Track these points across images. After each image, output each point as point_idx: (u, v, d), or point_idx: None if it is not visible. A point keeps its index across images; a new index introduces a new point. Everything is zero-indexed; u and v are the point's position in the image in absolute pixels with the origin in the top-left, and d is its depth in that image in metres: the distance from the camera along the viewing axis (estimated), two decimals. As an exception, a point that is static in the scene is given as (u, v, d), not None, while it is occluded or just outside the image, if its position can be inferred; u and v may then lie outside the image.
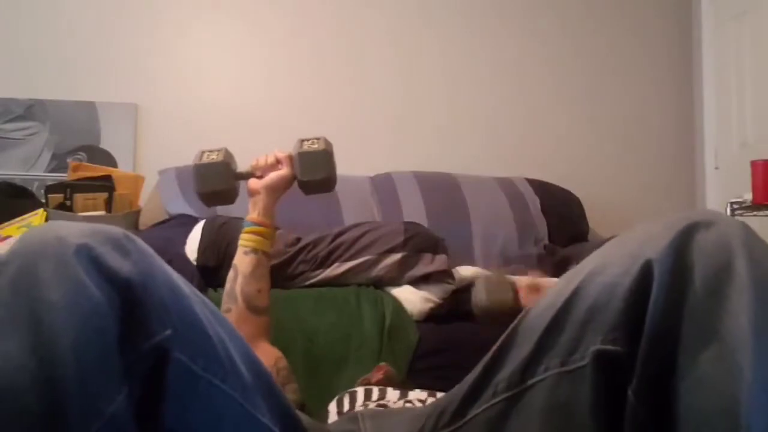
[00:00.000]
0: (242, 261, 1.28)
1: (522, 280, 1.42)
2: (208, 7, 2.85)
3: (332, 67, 2.90)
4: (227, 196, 1.34)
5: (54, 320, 0.57)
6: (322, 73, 2.89)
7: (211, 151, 1.33)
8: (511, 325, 0.76)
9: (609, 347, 0.63)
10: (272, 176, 1.32)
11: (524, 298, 1.39)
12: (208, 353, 0.67)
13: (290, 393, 1.20)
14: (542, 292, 1.39)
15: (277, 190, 1.33)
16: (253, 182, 1.34)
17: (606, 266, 0.66)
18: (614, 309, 0.63)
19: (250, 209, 1.33)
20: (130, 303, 0.61)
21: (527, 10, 3.04)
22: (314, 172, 1.31)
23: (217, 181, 1.31)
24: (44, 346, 0.56)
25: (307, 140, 1.33)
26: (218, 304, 1.23)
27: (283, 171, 1.33)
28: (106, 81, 2.73)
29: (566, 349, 0.67)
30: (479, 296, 1.37)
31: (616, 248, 0.68)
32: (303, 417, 0.85)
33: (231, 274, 1.29)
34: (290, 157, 1.33)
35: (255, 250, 1.29)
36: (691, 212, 0.66)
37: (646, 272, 0.62)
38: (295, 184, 1.35)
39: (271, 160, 1.34)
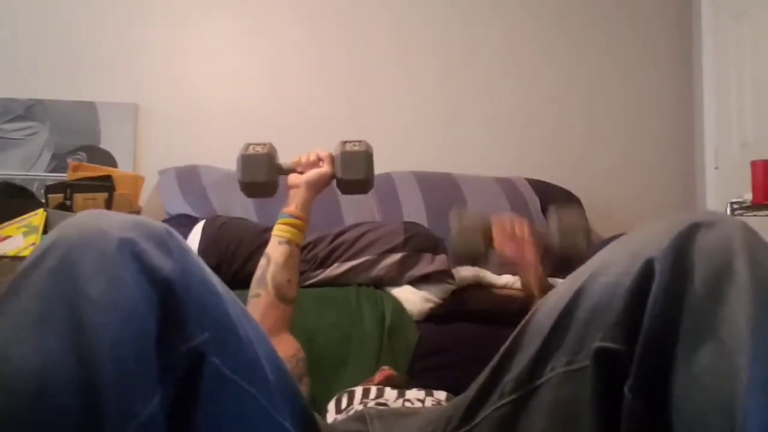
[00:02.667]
0: (276, 250, 1.31)
1: (498, 225, 1.42)
2: (209, 7, 2.85)
3: (333, 67, 2.90)
4: (268, 188, 1.40)
5: (94, 318, 0.55)
6: (323, 73, 2.89)
7: (257, 144, 1.39)
8: (518, 327, 0.76)
9: (608, 344, 0.64)
10: (313, 172, 1.36)
11: (498, 243, 1.40)
12: (238, 355, 0.67)
13: (304, 386, 1.21)
14: (517, 239, 1.41)
15: (316, 186, 1.37)
16: (293, 177, 1.38)
17: (609, 266, 0.67)
18: (615, 308, 0.64)
19: (288, 202, 1.37)
20: (169, 303, 0.60)
21: (527, 10, 3.04)
22: (354, 172, 1.36)
23: (260, 173, 1.37)
24: (84, 345, 0.54)
25: (350, 142, 1.39)
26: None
27: (324, 168, 1.37)
28: (106, 81, 2.73)
29: (572, 349, 0.68)
30: (452, 242, 1.40)
31: (619, 248, 0.68)
32: (317, 417, 0.85)
33: (263, 261, 1.31)
34: (331, 156, 1.38)
35: (289, 241, 1.32)
36: (694, 213, 0.66)
37: (646, 271, 0.62)
38: (334, 183, 1.40)
39: (312, 157, 1.38)
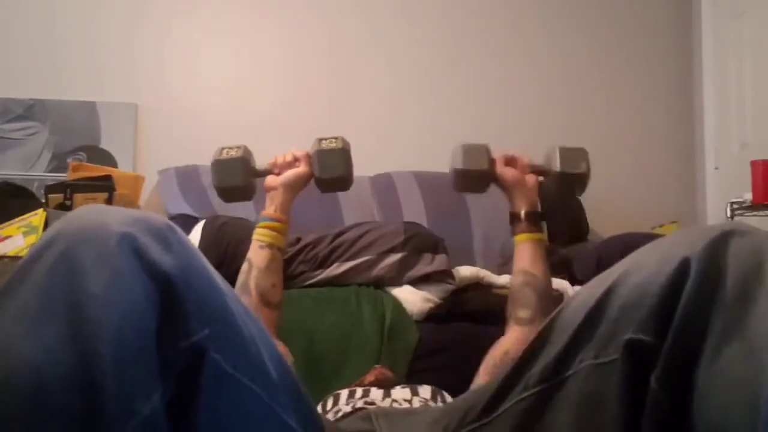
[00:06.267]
0: (257, 255, 1.29)
1: (500, 151, 1.44)
2: (209, 8, 2.85)
3: (331, 67, 2.90)
4: (245, 191, 1.37)
5: (94, 313, 0.55)
6: (321, 73, 2.89)
7: (230, 148, 1.36)
8: (543, 324, 0.77)
9: (639, 336, 0.65)
10: (290, 173, 1.34)
11: (500, 168, 1.41)
12: (240, 352, 0.67)
13: None
14: (518, 165, 1.42)
15: (294, 187, 1.34)
16: (270, 179, 1.36)
17: (640, 267, 0.69)
18: (647, 305, 0.65)
19: (267, 205, 1.34)
20: (169, 299, 0.60)
21: (528, 9, 3.04)
22: (331, 170, 1.33)
23: (235, 177, 1.34)
24: (84, 340, 0.54)
25: (325, 139, 1.36)
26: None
27: (301, 168, 1.34)
28: (106, 81, 2.74)
29: (600, 343, 0.69)
30: (456, 160, 1.41)
31: (650, 251, 0.70)
32: (321, 416, 0.85)
33: (245, 266, 1.30)
34: (308, 155, 1.35)
35: (270, 245, 1.30)
36: (728, 223, 0.70)
37: (683, 269, 0.64)
38: (312, 182, 1.37)
39: (289, 158, 1.36)
